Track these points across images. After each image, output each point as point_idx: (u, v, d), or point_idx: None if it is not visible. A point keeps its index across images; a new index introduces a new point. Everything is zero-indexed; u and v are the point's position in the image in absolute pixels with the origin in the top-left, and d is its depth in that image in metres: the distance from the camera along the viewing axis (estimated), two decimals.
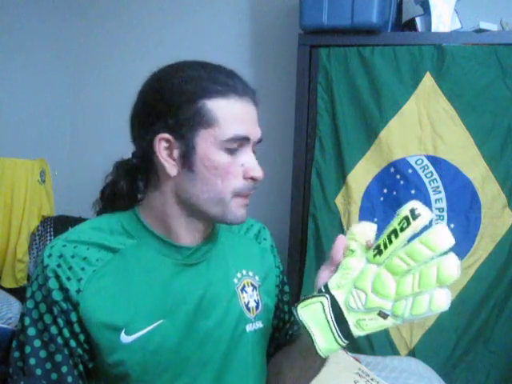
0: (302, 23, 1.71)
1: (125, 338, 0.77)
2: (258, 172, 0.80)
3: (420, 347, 1.63)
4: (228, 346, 0.84)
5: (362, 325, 0.67)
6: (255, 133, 0.80)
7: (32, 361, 0.76)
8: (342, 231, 1.75)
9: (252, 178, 0.80)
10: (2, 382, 0.84)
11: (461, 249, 1.65)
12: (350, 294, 0.68)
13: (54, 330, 0.76)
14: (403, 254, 0.65)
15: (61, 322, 0.76)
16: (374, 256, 0.68)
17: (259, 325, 0.89)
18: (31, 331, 0.77)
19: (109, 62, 2.40)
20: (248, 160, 0.80)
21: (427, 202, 1.67)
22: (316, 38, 1.74)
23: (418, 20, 1.74)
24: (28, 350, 0.77)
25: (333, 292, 0.70)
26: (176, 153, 0.78)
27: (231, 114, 0.77)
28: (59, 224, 2.16)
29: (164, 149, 0.78)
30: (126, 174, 0.86)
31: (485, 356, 1.63)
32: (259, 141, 0.82)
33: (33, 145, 2.21)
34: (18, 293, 1.89)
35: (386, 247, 0.66)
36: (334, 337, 0.68)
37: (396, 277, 0.66)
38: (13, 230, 2.03)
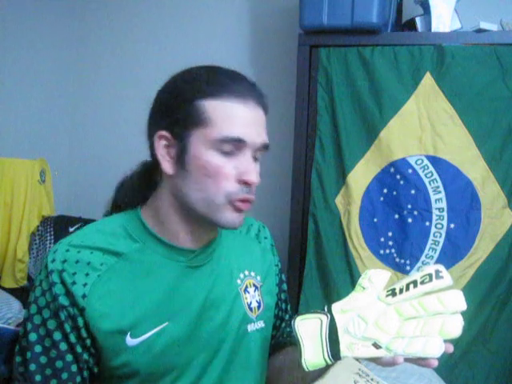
0: (302, 23, 1.71)
1: (130, 341, 0.77)
2: (251, 176, 0.78)
3: None
4: (231, 346, 0.85)
5: (353, 348, 0.68)
6: (254, 137, 0.78)
7: (32, 366, 0.76)
8: (342, 231, 1.75)
9: (246, 183, 0.78)
10: (2, 382, 0.84)
11: (461, 249, 1.65)
12: (351, 320, 0.70)
13: (57, 335, 0.76)
14: (416, 302, 0.68)
15: (67, 327, 0.76)
16: (387, 296, 0.71)
17: (261, 324, 0.90)
18: (32, 336, 0.76)
19: (109, 62, 2.40)
20: (243, 163, 0.78)
21: (427, 202, 1.67)
22: (316, 38, 1.74)
23: (418, 20, 1.74)
24: (29, 355, 0.76)
25: (334, 314, 0.72)
26: (173, 151, 0.79)
27: (226, 115, 0.76)
28: (59, 224, 2.16)
29: (163, 147, 0.80)
30: (142, 171, 0.88)
31: (485, 356, 1.63)
32: (265, 147, 0.80)
33: (33, 145, 2.21)
34: (18, 293, 1.89)
35: (401, 292, 0.70)
36: (323, 353, 0.69)
37: (400, 318, 0.69)
38: (13, 230, 2.03)
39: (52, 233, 2.14)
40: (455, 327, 0.66)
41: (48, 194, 2.18)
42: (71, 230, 2.09)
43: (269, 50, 2.17)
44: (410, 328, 0.67)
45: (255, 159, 0.81)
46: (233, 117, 0.77)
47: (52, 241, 2.14)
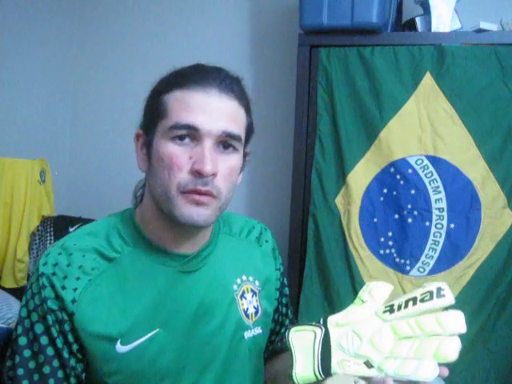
0: (302, 23, 1.71)
1: (120, 348, 0.76)
2: (201, 165, 0.72)
3: None
4: (226, 352, 0.83)
5: (345, 365, 0.67)
6: (210, 124, 0.73)
7: (20, 371, 0.75)
8: (342, 231, 1.75)
9: (198, 172, 0.72)
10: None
11: (461, 249, 1.65)
12: (345, 335, 0.68)
13: (44, 340, 0.75)
14: (413, 321, 0.66)
15: (54, 331, 0.75)
16: (384, 312, 0.68)
17: (258, 331, 0.88)
18: (22, 340, 0.76)
19: (109, 62, 2.40)
20: (197, 152, 0.73)
21: (427, 202, 1.67)
22: (316, 38, 1.74)
23: (417, 20, 1.74)
24: (17, 359, 0.75)
25: (329, 327, 0.70)
26: (145, 148, 0.80)
27: (182, 104, 0.74)
28: (59, 224, 2.15)
29: (141, 145, 0.81)
30: None
31: (485, 356, 1.63)
32: (228, 135, 0.75)
33: (33, 145, 2.21)
34: (18, 293, 1.88)
35: (399, 309, 0.67)
36: (313, 368, 0.67)
37: (396, 337, 0.66)
38: (13, 230, 2.02)
39: (52, 233, 2.14)
40: (451, 351, 0.64)
41: (48, 194, 2.18)
42: (71, 229, 2.09)
43: (269, 50, 2.16)
44: (404, 349, 0.65)
45: (224, 149, 0.76)
46: (187, 104, 0.74)
47: (52, 241, 2.13)
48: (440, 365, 0.64)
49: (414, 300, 0.67)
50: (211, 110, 0.74)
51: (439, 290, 0.66)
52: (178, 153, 0.73)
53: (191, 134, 0.74)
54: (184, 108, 0.74)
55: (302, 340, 0.70)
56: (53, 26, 2.34)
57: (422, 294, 0.67)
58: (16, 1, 2.13)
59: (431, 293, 0.66)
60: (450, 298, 0.66)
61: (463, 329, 0.65)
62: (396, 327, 0.67)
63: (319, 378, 0.67)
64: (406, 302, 0.67)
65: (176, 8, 2.29)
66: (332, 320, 0.71)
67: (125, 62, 2.36)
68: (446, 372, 0.64)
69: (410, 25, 1.79)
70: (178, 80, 0.77)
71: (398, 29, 1.86)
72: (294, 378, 0.68)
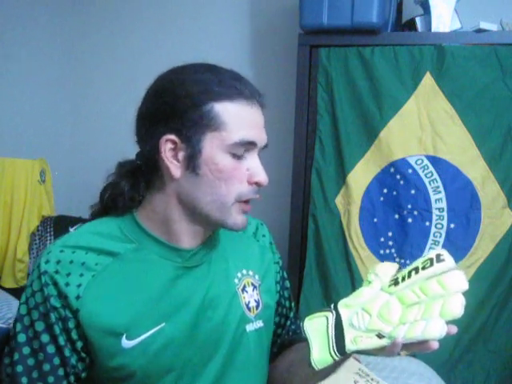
0: (302, 23, 1.71)
1: (126, 343, 0.76)
2: (262, 177, 0.80)
3: None
4: (229, 346, 0.84)
5: (358, 341, 0.69)
6: (262, 138, 0.80)
7: (19, 368, 0.75)
8: (342, 231, 1.75)
9: (256, 183, 0.80)
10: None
11: (461, 249, 1.65)
12: (355, 314, 0.71)
13: (45, 338, 0.75)
14: (417, 288, 0.68)
15: (57, 329, 0.75)
16: (389, 286, 0.71)
17: (259, 324, 0.89)
18: (21, 337, 0.76)
19: (109, 61, 2.40)
20: (253, 165, 0.79)
21: (427, 202, 1.67)
22: (316, 38, 1.74)
23: (417, 20, 1.74)
24: (16, 356, 0.76)
25: (340, 309, 0.73)
26: (181, 155, 0.77)
27: (239, 118, 0.77)
28: (59, 224, 2.15)
29: (169, 150, 0.78)
30: (128, 175, 0.85)
31: (485, 356, 1.64)
32: (265, 146, 0.82)
33: (33, 145, 2.21)
34: (18, 293, 1.88)
35: (403, 280, 0.70)
36: (329, 349, 0.70)
37: (403, 306, 0.69)
38: (13, 230, 2.03)
39: (52, 233, 2.14)
40: (455, 306, 0.65)
41: (48, 193, 2.18)
42: (71, 229, 2.08)
43: (269, 50, 2.17)
44: (412, 314, 0.67)
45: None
46: (245, 119, 0.77)
47: (52, 241, 2.13)
48: (448, 323, 0.65)
49: (416, 269, 0.70)
50: (260, 125, 0.81)
51: (438, 255, 0.69)
52: (238, 166, 0.78)
53: (248, 147, 0.79)
54: (243, 124, 0.77)
55: (316, 326, 0.73)
56: (53, 26, 2.34)
57: (422, 263, 0.70)
58: (16, 1, 2.13)
59: (431, 259, 0.69)
60: (450, 261, 0.68)
61: (465, 285, 0.66)
62: (402, 297, 0.69)
63: (335, 358, 0.69)
64: (409, 273, 0.70)
65: (176, 8, 2.29)
66: (341, 303, 0.74)
67: (125, 62, 2.36)
68: (454, 329, 0.66)
69: (410, 25, 1.79)
70: (227, 90, 0.76)
71: (398, 29, 1.86)
72: (312, 363, 0.70)
